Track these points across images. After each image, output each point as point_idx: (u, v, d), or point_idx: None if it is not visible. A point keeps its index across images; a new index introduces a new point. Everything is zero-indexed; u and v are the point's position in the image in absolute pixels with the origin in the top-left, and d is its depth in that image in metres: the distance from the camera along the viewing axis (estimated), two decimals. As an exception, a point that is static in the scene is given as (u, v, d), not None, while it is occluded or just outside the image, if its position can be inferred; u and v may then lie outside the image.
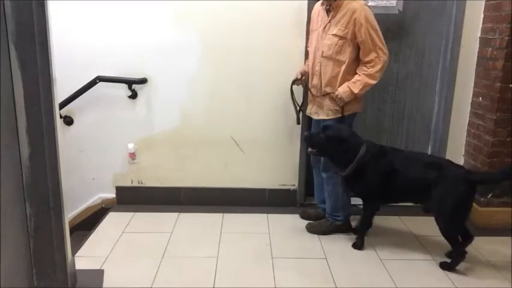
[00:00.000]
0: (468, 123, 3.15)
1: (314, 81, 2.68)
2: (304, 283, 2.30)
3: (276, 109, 3.10)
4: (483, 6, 2.97)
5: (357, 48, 2.52)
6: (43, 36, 1.68)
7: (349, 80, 2.54)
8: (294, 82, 2.80)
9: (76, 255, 2.43)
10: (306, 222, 2.96)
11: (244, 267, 2.44)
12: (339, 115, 2.61)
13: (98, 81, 3.00)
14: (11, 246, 1.70)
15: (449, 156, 3.01)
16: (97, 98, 3.07)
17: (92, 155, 3.20)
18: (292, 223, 3.00)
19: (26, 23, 1.62)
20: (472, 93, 3.11)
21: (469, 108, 3.13)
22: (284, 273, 2.38)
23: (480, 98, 3.01)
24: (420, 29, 3.11)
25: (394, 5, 2.97)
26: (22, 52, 1.64)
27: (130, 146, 3.16)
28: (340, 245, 2.70)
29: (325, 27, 2.57)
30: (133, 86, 3.05)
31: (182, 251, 2.62)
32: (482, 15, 2.98)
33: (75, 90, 2.99)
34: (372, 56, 2.48)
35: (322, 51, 2.58)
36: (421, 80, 3.20)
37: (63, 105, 2.95)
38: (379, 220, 2.89)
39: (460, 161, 3.13)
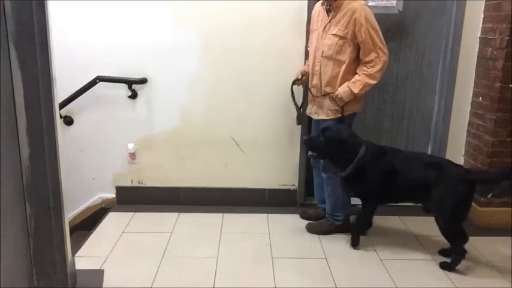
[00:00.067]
0: (468, 123, 3.15)
1: (314, 81, 2.68)
2: (304, 283, 2.30)
3: (276, 109, 3.10)
4: (483, 6, 2.97)
5: (357, 48, 2.52)
6: (43, 36, 1.68)
7: (349, 80, 2.54)
8: (294, 82, 2.80)
9: (76, 255, 2.43)
10: (306, 222, 2.96)
11: (244, 267, 2.44)
12: (339, 115, 2.61)
13: (98, 81, 3.00)
14: (11, 246, 1.70)
15: (449, 156, 3.02)
16: (97, 98, 3.07)
17: (92, 155, 3.20)
18: (292, 223, 3.00)
19: (26, 23, 1.62)
20: (472, 93, 3.11)
21: (469, 108, 3.13)
22: (284, 273, 2.38)
23: (480, 98, 3.01)
24: (420, 29, 3.11)
25: (394, 5, 2.97)
26: (22, 52, 1.63)
27: (130, 146, 3.16)
28: (340, 245, 2.70)
29: (325, 27, 2.57)
30: (133, 86, 3.05)
31: (182, 251, 2.62)
32: (482, 15, 2.98)
33: (75, 90, 2.99)
34: (372, 56, 2.48)
35: (322, 51, 2.58)
36: (421, 80, 3.20)
37: (63, 105, 2.95)
38: (379, 220, 2.89)
39: (460, 161, 3.13)
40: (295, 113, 2.90)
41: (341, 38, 2.50)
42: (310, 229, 2.87)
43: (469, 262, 2.48)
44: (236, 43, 3.00)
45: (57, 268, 1.89)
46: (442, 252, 2.55)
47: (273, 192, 3.27)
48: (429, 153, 3.21)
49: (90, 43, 2.97)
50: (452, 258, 2.44)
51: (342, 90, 2.53)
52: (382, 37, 2.49)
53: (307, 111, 2.81)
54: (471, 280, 2.35)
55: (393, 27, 3.06)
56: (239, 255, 2.56)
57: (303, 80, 2.78)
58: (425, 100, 3.24)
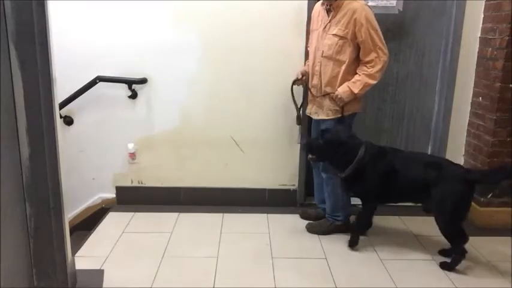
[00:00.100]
0: (468, 123, 3.15)
1: (314, 81, 2.68)
2: (304, 283, 2.30)
3: (276, 109, 3.10)
4: (483, 6, 2.97)
5: (357, 48, 2.52)
6: (43, 36, 1.68)
7: (349, 80, 2.54)
8: (294, 82, 2.80)
9: (76, 255, 2.43)
10: (306, 222, 2.96)
11: (244, 267, 2.44)
12: (339, 115, 2.61)
13: (98, 81, 3.00)
14: (11, 246, 1.70)
15: (449, 156, 3.01)
16: (97, 98, 3.07)
17: (92, 155, 3.20)
18: (292, 223, 3.00)
19: (26, 23, 1.62)
20: (472, 93, 3.11)
21: (469, 108, 3.13)
22: (284, 273, 2.38)
23: (480, 98, 3.01)
24: (420, 29, 3.11)
25: (394, 5, 2.97)
26: (22, 52, 1.63)
27: (130, 146, 3.16)
28: (340, 245, 2.70)
29: (325, 27, 2.57)
30: (133, 86, 3.05)
31: (182, 251, 2.62)
32: (482, 15, 2.98)
33: (75, 90, 2.99)
34: (372, 56, 2.48)
35: (323, 51, 2.58)
36: (421, 80, 3.20)
37: (63, 105, 2.95)
38: (379, 220, 2.89)
39: (460, 161, 3.13)
40: (295, 113, 2.90)
41: (341, 38, 2.50)
42: (310, 229, 2.87)
43: (469, 262, 2.48)
44: (236, 43, 3.00)
45: (57, 268, 1.89)
46: (442, 252, 2.55)
47: (273, 192, 3.27)
48: (429, 153, 3.20)
49: (90, 43, 2.97)
50: (452, 258, 2.44)
51: (342, 90, 2.53)
52: (382, 37, 2.48)
53: (307, 111, 2.81)
54: (471, 280, 2.35)
55: (393, 27, 3.06)
56: (239, 255, 2.56)
57: (303, 80, 2.78)
58: (425, 100, 3.24)
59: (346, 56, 2.52)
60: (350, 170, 2.47)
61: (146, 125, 3.15)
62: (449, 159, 2.62)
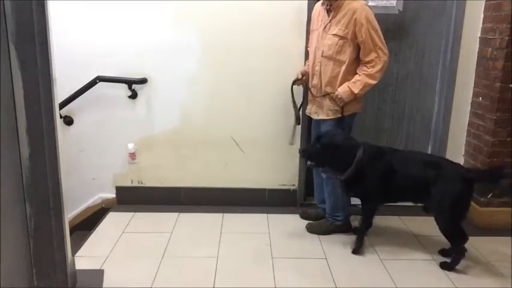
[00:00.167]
0: (468, 123, 3.15)
1: (314, 81, 2.68)
2: (304, 283, 2.30)
3: (276, 109, 3.09)
4: (483, 6, 2.97)
5: (357, 48, 2.52)
6: (43, 36, 1.68)
7: (349, 80, 2.54)
8: (294, 82, 2.80)
9: (76, 255, 2.43)
10: (306, 222, 2.96)
11: (244, 267, 2.44)
12: (339, 115, 2.61)
13: (98, 81, 3.00)
14: (11, 246, 1.70)
15: (449, 156, 3.01)
16: (97, 98, 3.07)
17: (92, 155, 3.20)
18: (292, 223, 3.00)
19: (26, 23, 1.62)
20: (472, 93, 3.11)
21: (469, 108, 3.13)
22: (284, 273, 2.38)
23: (480, 98, 3.01)
24: (420, 29, 3.11)
25: (394, 5, 2.97)
26: (22, 52, 1.64)
27: (130, 146, 3.16)
28: (340, 245, 2.70)
29: (325, 27, 2.57)
30: (133, 86, 3.05)
31: (182, 251, 2.62)
32: (482, 15, 2.98)
33: (75, 90, 2.99)
34: (372, 56, 2.48)
35: (323, 51, 2.58)
36: (421, 80, 3.20)
37: (63, 105, 2.95)
38: (379, 220, 2.88)
39: (460, 161, 3.13)
40: (294, 113, 2.90)
41: (341, 38, 2.50)
42: (310, 229, 2.87)
43: (469, 262, 2.48)
44: (236, 43, 3.00)
45: (57, 268, 1.89)
46: (442, 252, 2.56)
47: (273, 192, 3.27)
48: (428, 153, 3.20)
49: (90, 43, 2.97)
50: (452, 258, 2.44)
51: (342, 90, 2.53)
52: (382, 37, 2.48)
53: (307, 111, 2.81)
54: (471, 280, 2.35)
55: (393, 27, 3.06)
56: (239, 255, 2.56)
57: (303, 80, 2.78)
58: (425, 100, 3.24)
59: (346, 56, 2.52)
60: (349, 173, 2.47)
61: (146, 125, 3.15)
62: (450, 159, 2.62)
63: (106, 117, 3.13)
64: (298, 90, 2.90)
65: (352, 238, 2.73)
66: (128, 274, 2.35)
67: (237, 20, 2.97)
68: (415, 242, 2.76)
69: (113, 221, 3.04)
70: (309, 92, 2.75)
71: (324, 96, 2.63)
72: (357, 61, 2.56)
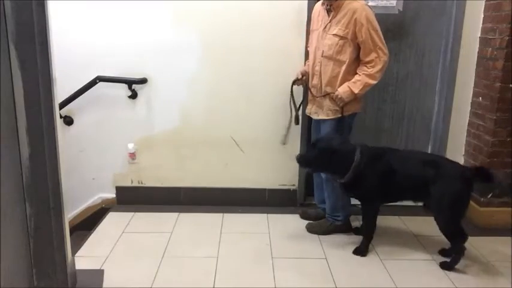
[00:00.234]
0: (468, 123, 3.15)
1: (314, 81, 2.68)
2: (304, 283, 2.30)
3: (276, 109, 3.09)
4: (483, 6, 2.97)
5: (358, 48, 2.52)
6: (43, 36, 1.68)
7: (350, 80, 2.54)
8: (294, 82, 2.80)
9: (76, 255, 2.43)
10: (306, 222, 2.96)
11: (244, 267, 2.44)
12: (339, 115, 2.61)
13: (98, 81, 3.00)
14: (11, 246, 1.70)
15: (449, 156, 3.01)
16: (97, 98, 3.07)
17: (92, 155, 3.20)
18: (292, 223, 3.00)
19: (26, 23, 1.62)
20: (472, 93, 3.11)
21: (469, 108, 3.13)
22: (284, 273, 2.38)
23: (480, 98, 3.01)
24: (420, 29, 3.11)
25: (394, 5, 2.97)
26: (22, 52, 1.64)
27: (130, 146, 3.16)
28: (340, 245, 2.70)
29: (325, 27, 2.57)
30: (134, 86, 3.05)
31: (182, 251, 2.62)
32: (482, 15, 2.98)
33: (75, 90, 2.99)
34: (372, 56, 2.48)
35: (323, 51, 2.58)
36: (421, 80, 3.20)
37: (63, 105, 2.95)
38: (379, 220, 2.86)
39: (460, 160, 3.13)
40: (294, 113, 2.90)
41: (341, 38, 2.50)
42: (310, 229, 2.87)
43: (469, 262, 2.48)
44: (236, 43, 3.00)
45: (57, 268, 1.89)
46: (442, 252, 2.56)
47: (273, 192, 3.27)
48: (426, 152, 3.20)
49: (90, 43, 2.97)
50: (452, 257, 2.44)
51: (342, 90, 2.53)
52: (382, 37, 2.48)
53: (307, 111, 2.81)
54: (471, 280, 2.35)
55: (393, 27, 3.06)
56: (239, 255, 2.56)
57: (303, 80, 2.78)
58: (425, 100, 3.24)
59: (347, 56, 2.52)
60: (349, 177, 2.46)
61: (146, 125, 3.15)
62: (449, 159, 2.62)
63: (106, 117, 3.13)
64: (298, 90, 2.90)
65: (352, 238, 2.73)
66: (128, 274, 2.35)
67: (237, 20, 2.97)
68: (415, 242, 2.76)
69: (113, 221, 3.04)
70: (309, 92, 2.75)
71: (324, 96, 2.63)
72: (357, 61, 2.56)
